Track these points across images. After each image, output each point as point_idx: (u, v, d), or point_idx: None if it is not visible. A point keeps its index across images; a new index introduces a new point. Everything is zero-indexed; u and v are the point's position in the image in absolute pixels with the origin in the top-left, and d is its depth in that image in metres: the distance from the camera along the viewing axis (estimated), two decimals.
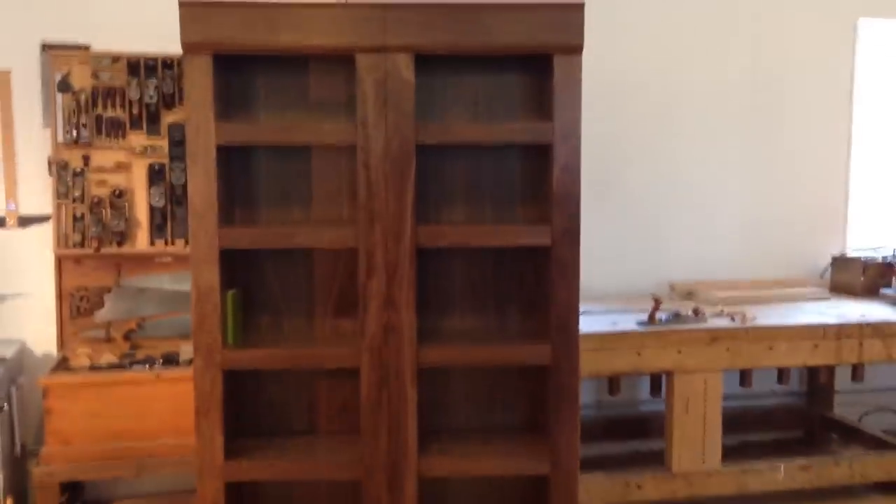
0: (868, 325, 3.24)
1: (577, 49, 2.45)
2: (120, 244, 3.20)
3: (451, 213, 2.70)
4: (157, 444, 3.05)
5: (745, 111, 3.96)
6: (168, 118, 3.22)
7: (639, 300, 3.52)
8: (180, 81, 3.19)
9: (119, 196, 3.19)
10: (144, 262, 3.29)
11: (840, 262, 3.91)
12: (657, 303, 3.19)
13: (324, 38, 2.44)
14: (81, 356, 3.14)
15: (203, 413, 2.46)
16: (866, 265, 3.80)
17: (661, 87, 3.86)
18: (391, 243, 2.46)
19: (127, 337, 3.29)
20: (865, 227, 4.14)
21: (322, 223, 2.65)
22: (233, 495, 2.56)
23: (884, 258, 3.85)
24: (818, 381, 3.89)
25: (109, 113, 3.20)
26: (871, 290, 3.74)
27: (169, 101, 3.22)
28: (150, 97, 3.19)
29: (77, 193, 3.16)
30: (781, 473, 3.27)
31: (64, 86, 3.17)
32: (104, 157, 3.21)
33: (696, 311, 3.28)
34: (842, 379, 3.85)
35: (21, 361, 3.22)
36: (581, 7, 2.42)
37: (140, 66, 3.20)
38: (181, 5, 2.34)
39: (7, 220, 3.22)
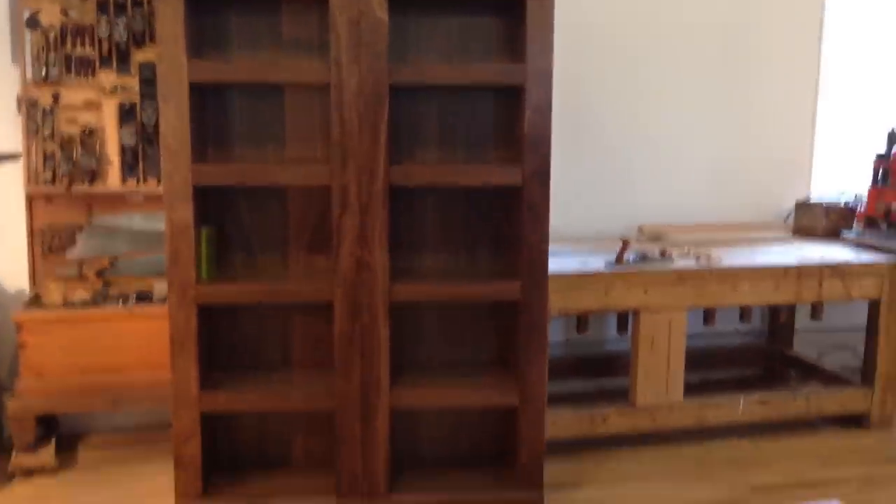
0: (828, 265, 3.34)
1: None
2: (91, 182, 3.19)
3: (425, 153, 2.75)
4: (131, 378, 3.09)
5: (715, 56, 4.00)
6: (138, 57, 3.19)
7: (608, 242, 3.59)
8: (151, 19, 3.16)
9: (89, 135, 3.18)
10: (116, 200, 3.28)
11: (803, 207, 4.00)
12: (625, 244, 3.26)
13: None
14: (54, 293, 3.16)
15: (178, 346, 2.52)
16: (829, 209, 3.89)
17: (632, 32, 3.88)
18: (364, 181, 2.50)
19: (99, 275, 3.30)
20: (830, 174, 4.23)
21: (296, 161, 2.68)
22: (208, 427, 2.63)
23: (846, 203, 3.95)
24: (779, 321, 4.00)
25: (79, 51, 3.17)
26: (832, 233, 3.84)
27: (139, 40, 3.19)
28: (120, 35, 3.16)
29: (47, 132, 3.14)
30: (741, 407, 3.39)
31: (33, 22, 3.13)
32: (74, 95, 3.18)
33: (663, 253, 3.36)
34: (802, 318, 3.98)
35: None
36: None
37: (109, 4, 3.16)
38: None
39: None
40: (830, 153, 4.23)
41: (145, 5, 3.17)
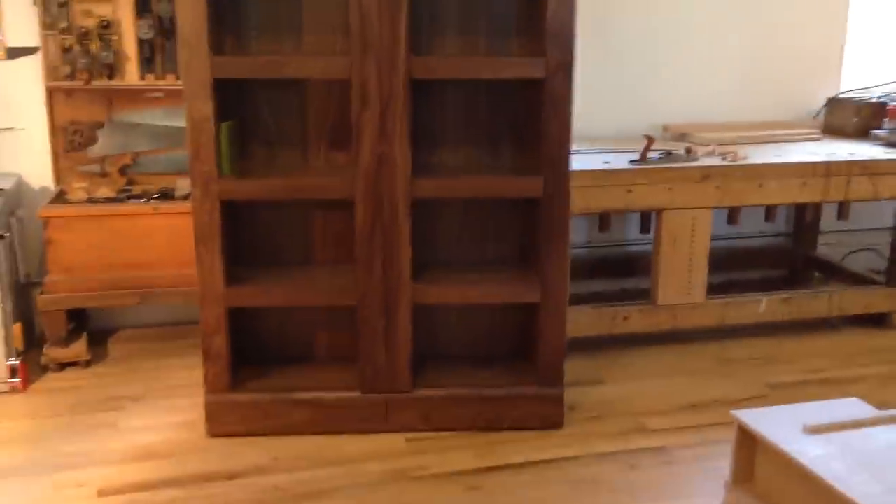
0: (856, 162, 3.28)
1: None
2: (110, 77, 3.16)
3: (445, 45, 2.69)
4: (157, 274, 3.13)
5: None
6: None
7: (632, 142, 3.54)
8: None
9: (106, 27, 3.13)
10: (135, 96, 3.26)
11: (834, 104, 3.90)
12: (650, 141, 3.20)
13: None
14: (78, 190, 3.17)
15: (202, 242, 2.53)
16: (860, 106, 3.79)
17: None
18: (385, 74, 2.45)
19: (122, 172, 3.31)
20: (862, 69, 4.10)
21: (315, 54, 2.63)
22: (234, 322, 2.67)
23: (878, 98, 3.84)
24: (804, 221, 3.96)
25: None
26: (862, 132, 3.75)
27: None
28: None
29: (64, 24, 3.10)
30: (763, 306, 3.39)
31: None
32: None
33: (688, 150, 3.30)
34: (827, 219, 3.93)
35: (19, 194, 3.25)
36: None
37: None
38: None
39: None
40: (863, 47, 4.09)
41: None
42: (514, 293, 2.70)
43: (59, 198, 3.16)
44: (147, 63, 3.19)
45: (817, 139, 3.72)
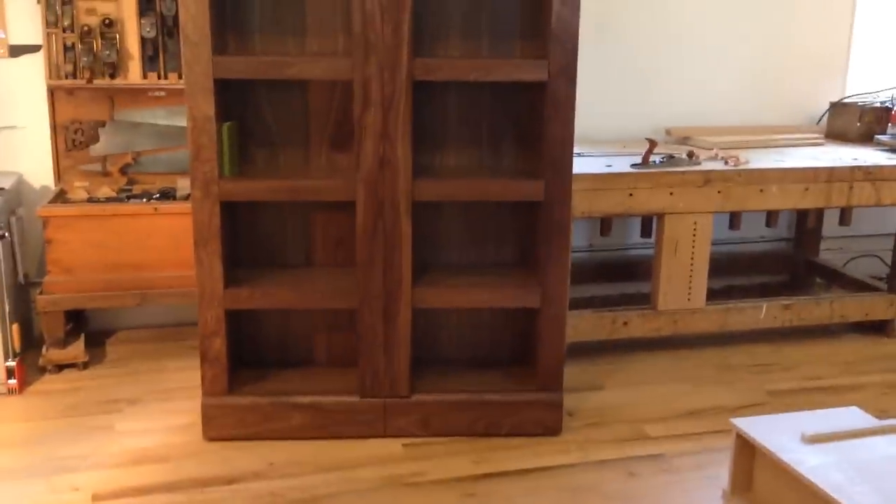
0: (860, 168, 3.27)
1: None
2: (112, 76, 3.15)
3: (448, 47, 2.68)
4: (157, 275, 3.12)
5: None
6: None
7: (635, 145, 3.53)
8: None
9: (109, 26, 3.12)
10: (137, 95, 3.25)
11: (837, 108, 3.89)
12: (652, 145, 3.19)
13: None
14: (79, 189, 3.17)
15: (202, 243, 2.52)
16: (863, 110, 3.77)
17: None
18: (387, 75, 2.44)
19: (123, 171, 3.30)
20: (866, 74, 4.09)
21: (317, 55, 2.63)
22: (233, 324, 2.66)
23: (881, 103, 3.83)
24: (806, 227, 3.95)
25: None
26: (866, 137, 3.74)
27: None
28: None
29: (66, 23, 3.09)
30: (763, 312, 3.37)
31: None
32: None
33: (690, 154, 3.29)
34: (829, 225, 3.92)
35: (20, 193, 3.24)
36: None
37: None
38: None
39: None
40: (868, 52, 4.07)
41: None
42: (514, 298, 2.69)
43: (59, 197, 3.15)
44: (150, 62, 3.18)
45: (820, 144, 3.71)
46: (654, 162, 3.18)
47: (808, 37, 3.96)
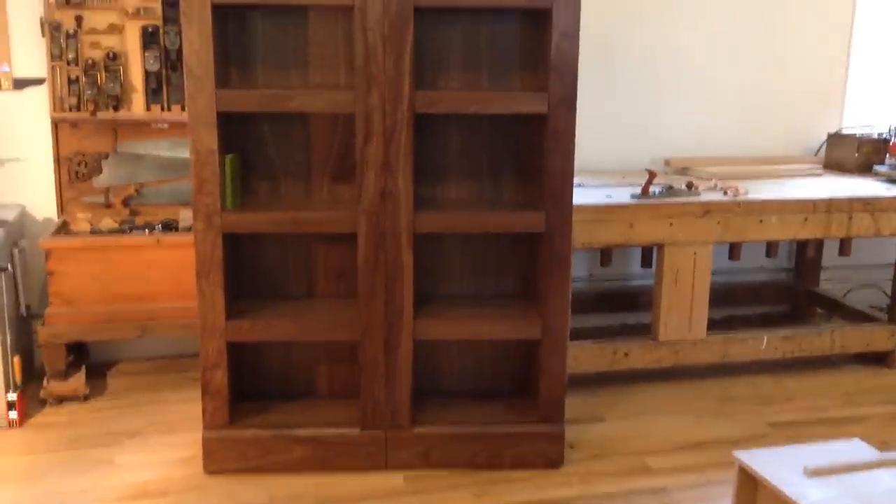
0: (858, 199, 3.28)
1: None
2: (116, 109, 3.18)
3: (449, 79, 2.70)
4: (159, 307, 3.12)
5: None
6: None
7: (634, 176, 3.55)
8: None
9: (113, 59, 3.15)
10: (141, 127, 3.28)
11: (835, 139, 3.91)
12: (651, 176, 3.21)
13: None
14: (82, 221, 3.18)
15: (204, 275, 2.53)
16: (861, 141, 3.80)
17: None
18: (389, 108, 2.47)
19: (126, 203, 3.32)
20: (864, 106, 4.12)
21: (319, 88, 2.65)
22: (234, 356, 2.66)
23: (879, 134, 3.86)
24: (805, 257, 3.96)
25: None
26: (864, 167, 3.76)
27: None
28: None
29: (71, 56, 3.12)
30: (764, 343, 3.37)
31: None
32: (97, 18, 3.15)
33: (689, 185, 3.31)
34: (829, 255, 3.93)
35: (22, 225, 3.26)
36: None
37: None
38: None
39: (2, 81, 3.19)
40: (865, 84, 4.11)
41: None
42: (514, 329, 2.69)
43: (62, 229, 3.17)
44: (153, 94, 3.21)
45: (818, 175, 3.73)
46: (654, 193, 3.20)
47: (806, 69, 4.00)
